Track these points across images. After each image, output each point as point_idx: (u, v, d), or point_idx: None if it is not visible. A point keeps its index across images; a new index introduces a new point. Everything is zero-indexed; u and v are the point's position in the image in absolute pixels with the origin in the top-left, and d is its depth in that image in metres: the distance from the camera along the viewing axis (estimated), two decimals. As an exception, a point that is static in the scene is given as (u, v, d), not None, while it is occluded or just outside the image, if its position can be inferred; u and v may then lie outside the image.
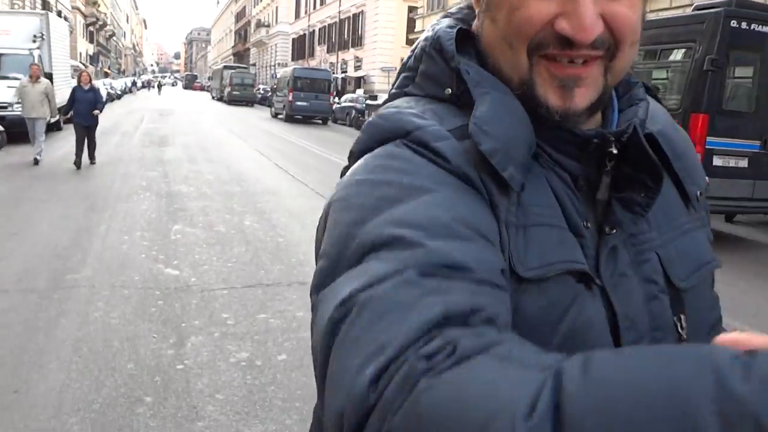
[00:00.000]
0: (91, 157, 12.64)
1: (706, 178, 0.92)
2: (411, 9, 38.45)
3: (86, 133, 12.29)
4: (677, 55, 8.84)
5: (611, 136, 0.74)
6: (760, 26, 7.94)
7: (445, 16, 0.85)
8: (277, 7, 68.54)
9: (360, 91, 36.86)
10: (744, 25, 7.87)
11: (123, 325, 4.67)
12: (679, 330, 0.78)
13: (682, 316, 0.79)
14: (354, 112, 30.24)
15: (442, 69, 0.77)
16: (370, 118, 0.77)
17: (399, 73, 0.84)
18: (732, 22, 7.87)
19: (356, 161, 0.73)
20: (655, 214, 0.79)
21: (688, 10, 9.14)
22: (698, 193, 0.86)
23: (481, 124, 0.68)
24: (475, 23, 0.79)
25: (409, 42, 37.25)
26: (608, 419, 0.37)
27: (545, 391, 0.41)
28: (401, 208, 0.62)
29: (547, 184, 0.73)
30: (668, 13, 15.92)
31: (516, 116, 0.71)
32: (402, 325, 0.51)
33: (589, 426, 0.38)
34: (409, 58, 0.83)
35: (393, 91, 0.83)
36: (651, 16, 15.47)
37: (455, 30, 0.78)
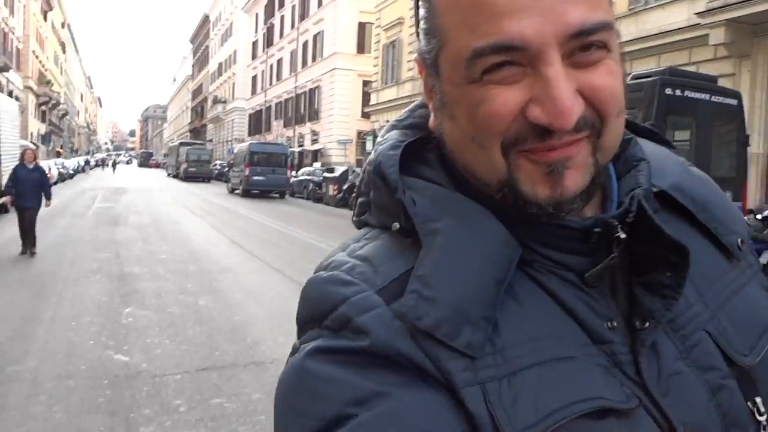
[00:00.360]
0: (31, 245, 11.35)
1: (746, 219, 0.85)
2: (366, 83, 39.37)
3: (29, 216, 11.28)
4: None
5: (614, 221, 0.63)
6: (693, 92, 8.41)
7: (392, 127, 0.74)
8: (234, 84, 69.44)
9: (317, 164, 37.13)
10: (678, 92, 8.27)
11: (67, 419, 4.44)
12: (758, 417, 0.65)
13: (758, 399, 0.66)
14: (311, 185, 30.40)
15: (388, 199, 0.65)
16: (307, 283, 0.66)
17: (356, 198, 0.73)
18: (667, 89, 8.29)
19: (301, 333, 0.64)
20: (695, 284, 0.68)
21: (628, 79, 9.68)
22: (739, 241, 0.74)
23: (422, 289, 0.58)
24: (431, 121, 0.68)
25: (365, 115, 38.00)
26: None
27: None
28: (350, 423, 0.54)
29: (544, 298, 0.62)
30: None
31: (474, 251, 0.60)
32: None
33: None
34: (361, 181, 0.73)
35: (354, 218, 0.74)
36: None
37: (399, 151, 0.67)
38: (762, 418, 0.65)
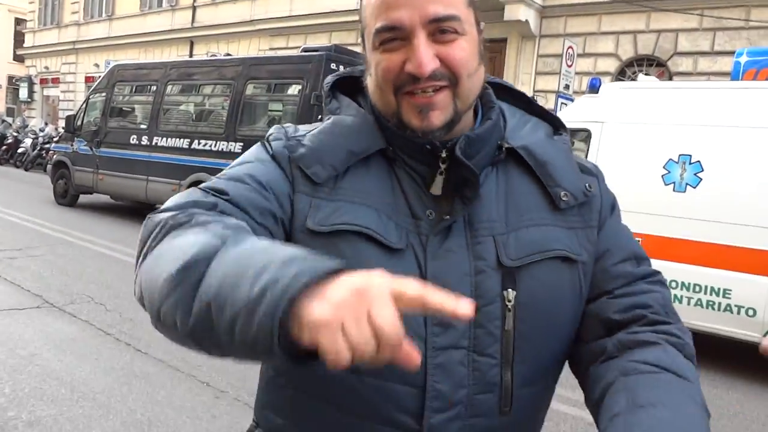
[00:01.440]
0: None
1: (587, 183, 1.01)
2: (19, 21, 34.52)
3: None
4: (290, 89, 9.89)
5: (438, 144, 0.95)
6: (345, 68, 9.24)
7: (350, 69, 1.10)
8: None
9: (-46, 109, 31.58)
10: (341, 67, 9.01)
11: None
12: (506, 301, 0.94)
13: (511, 291, 0.94)
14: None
15: (325, 99, 1.07)
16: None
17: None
18: (332, 64, 9.11)
19: None
20: (508, 210, 0.98)
21: (299, 51, 10.25)
22: (561, 193, 1.00)
23: (302, 140, 1.00)
24: (366, 78, 1.02)
25: (17, 58, 33.37)
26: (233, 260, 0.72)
27: (213, 246, 0.75)
28: (233, 167, 1.00)
29: (388, 179, 0.97)
30: (285, 51, 17.28)
31: (344, 132, 0.99)
32: (174, 201, 0.91)
33: (219, 269, 0.71)
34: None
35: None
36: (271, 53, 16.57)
37: (336, 77, 1.07)
38: (509, 303, 0.94)
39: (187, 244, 0.77)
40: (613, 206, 1.07)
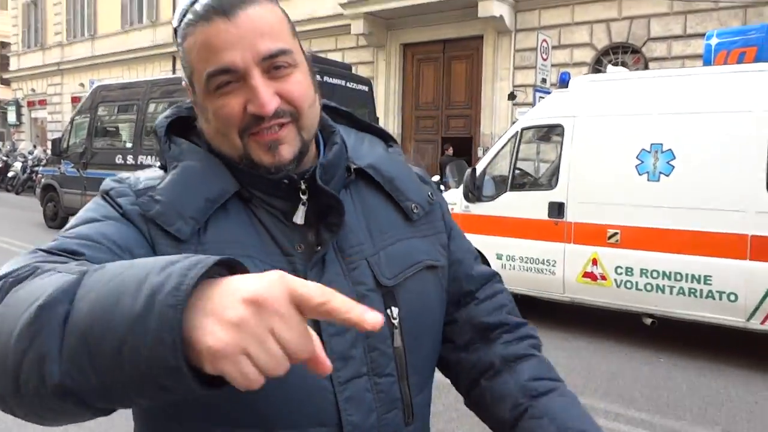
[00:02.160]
0: None
1: (429, 192, 1.11)
2: (3, 45, 34.49)
3: None
4: None
5: (296, 177, 0.95)
6: (331, 78, 9.33)
7: (176, 107, 1.05)
8: None
9: (-58, 137, 31.57)
10: (318, 77, 9.01)
11: None
12: (392, 320, 0.98)
13: (394, 308, 0.99)
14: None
15: (159, 147, 1.00)
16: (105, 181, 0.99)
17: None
18: (308, 74, 9.02)
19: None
20: (371, 229, 1.02)
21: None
22: (412, 206, 1.06)
23: (154, 195, 0.91)
24: (198, 122, 0.99)
25: (4, 82, 33.38)
26: (102, 286, 0.61)
27: (73, 279, 0.64)
28: (77, 226, 0.89)
29: (249, 221, 0.94)
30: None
31: (196, 180, 0.93)
32: (10, 266, 0.76)
33: (88, 295, 0.61)
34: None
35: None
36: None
37: (169, 119, 1.01)
38: (395, 321, 0.98)
39: (38, 288, 0.65)
40: (447, 210, 1.17)
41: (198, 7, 0.90)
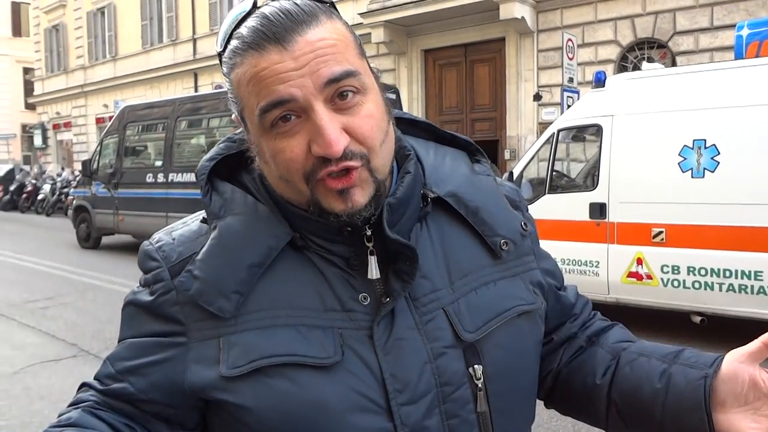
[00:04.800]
0: None
1: (522, 222, 0.96)
2: (27, 70, 35.11)
3: None
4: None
5: (359, 222, 0.82)
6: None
7: (227, 140, 0.93)
8: None
9: (-28, 164, 32.18)
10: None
11: None
12: (474, 380, 0.85)
13: (477, 367, 0.85)
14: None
15: (203, 197, 0.88)
16: (142, 246, 0.92)
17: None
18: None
19: None
20: (450, 271, 0.88)
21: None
22: (501, 242, 0.91)
23: (193, 270, 0.82)
24: (256, 162, 0.87)
25: (29, 106, 33.96)
26: None
27: None
28: (116, 349, 0.89)
29: (303, 274, 0.84)
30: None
31: (237, 244, 0.83)
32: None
33: None
34: None
35: None
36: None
37: (213, 162, 0.89)
38: (478, 382, 0.85)
39: None
40: (536, 236, 1.02)
41: (245, 31, 0.78)
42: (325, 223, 0.82)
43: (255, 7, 0.79)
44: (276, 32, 0.75)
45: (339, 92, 0.77)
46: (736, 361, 0.85)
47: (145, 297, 0.86)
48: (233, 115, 0.86)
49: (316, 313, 0.82)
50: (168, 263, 0.85)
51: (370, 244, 0.85)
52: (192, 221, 0.92)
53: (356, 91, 0.78)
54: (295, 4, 0.78)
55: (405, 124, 0.98)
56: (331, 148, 0.75)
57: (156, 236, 0.92)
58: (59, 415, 0.85)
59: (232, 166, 0.91)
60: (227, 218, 0.85)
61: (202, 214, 0.90)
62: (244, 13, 0.79)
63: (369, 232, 0.84)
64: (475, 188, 0.94)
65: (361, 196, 0.80)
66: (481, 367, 0.85)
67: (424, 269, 0.86)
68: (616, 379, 0.94)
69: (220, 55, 0.82)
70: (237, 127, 0.89)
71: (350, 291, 0.84)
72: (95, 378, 0.89)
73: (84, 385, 0.90)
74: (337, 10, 0.83)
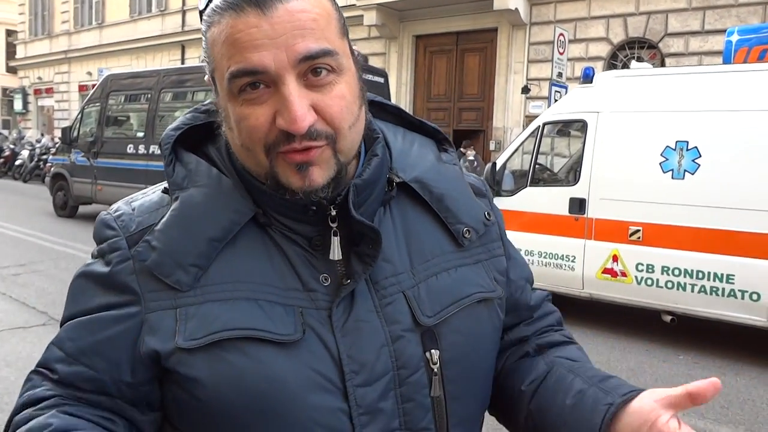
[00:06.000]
0: None
1: (486, 212, 0.95)
2: (10, 33, 34.43)
3: None
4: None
5: (325, 202, 0.81)
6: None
7: (194, 110, 0.91)
8: None
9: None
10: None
11: None
12: (431, 365, 0.84)
13: (434, 351, 0.84)
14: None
15: (166, 167, 0.86)
16: (98, 216, 0.88)
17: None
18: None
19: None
20: (411, 256, 0.87)
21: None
22: (464, 230, 0.91)
23: (151, 240, 0.81)
24: (223, 126, 0.83)
25: (10, 69, 33.32)
26: None
27: None
28: (61, 332, 0.84)
29: (265, 251, 0.82)
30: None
31: (198, 216, 0.81)
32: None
33: None
34: None
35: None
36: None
37: (178, 132, 0.87)
38: (434, 366, 0.84)
39: None
40: (503, 227, 1.01)
41: None
42: (290, 201, 0.80)
43: None
44: None
45: (312, 69, 0.75)
46: (653, 400, 0.79)
47: (100, 268, 0.83)
48: (206, 77, 0.83)
49: (277, 290, 0.81)
50: (126, 232, 0.83)
51: (334, 225, 0.84)
52: (152, 192, 0.89)
53: (331, 70, 0.76)
54: None
55: (375, 108, 0.97)
56: (296, 123, 0.73)
57: (115, 206, 0.89)
58: (19, 422, 0.78)
59: (197, 138, 0.89)
60: (190, 190, 0.83)
61: (163, 184, 0.87)
62: None
63: (334, 213, 0.83)
64: (441, 176, 0.94)
65: (319, 176, 0.78)
66: (437, 351, 0.85)
67: (386, 253, 0.85)
68: (539, 390, 0.93)
69: (201, 13, 0.80)
70: None
71: (311, 271, 0.83)
72: (41, 366, 0.83)
73: (30, 379, 0.83)
74: None
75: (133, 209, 0.86)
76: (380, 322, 0.83)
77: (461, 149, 12.74)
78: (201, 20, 0.81)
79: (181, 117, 0.90)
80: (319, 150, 0.77)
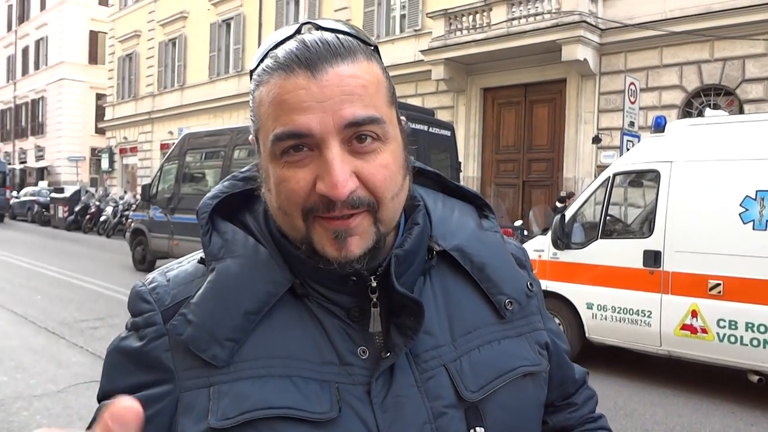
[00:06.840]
0: None
1: (528, 282, 0.93)
2: (99, 96, 36.73)
3: None
4: None
5: (365, 272, 0.78)
6: (414, 124, 9.32)
7: (231, 177, 0.89)
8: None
9: (43, 183, 33.69)
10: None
11: None
12: None
13: (479, 429, 0.81)
14: (36, 206, 27.49)
15: (202, 237, 0.84)
16: (132, 288, 0.85)
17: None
18: (394, 121, 9.11)
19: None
20: (453, 328, 0.84)
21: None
22: (506, 301, 0.88)
23: (187, 314, 0.78)
24: (262, 187, 0.82)
25: (99, 131, 35.42)
26: None
27: None
28: (100, 407, 0.78)
29: (301, 323, 0.79)
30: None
31: (233, 289, 0.78)
32: None
33: None
34: None
35: None
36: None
37: (216, 201, 0.85)
38: None
39: None
40: (542, 299, 0.98)
41: (281, 52, 0.75)
42: (329, 271, 0.77)
43: (298, 32, 0.77)
44: (309, 58, 0.73)
45: (357, 135, 0.74)
46: None
47: (134, 342, 0.80)
48: (250, 137, 0.83)
49: (312, 366, 0.78)
50: (161, 306, 0.80)
51: (374, 296, 0.81)
52: (188, 262, 0.87)
53: (376, 137, 0.75)
54: (337, 37, 0.75)
55: (413, 173, 0.93)
56: (337, 189, 0.71)
57: (150, 276, 0.87)
58: None
59: (235, 205, 0.87)
60: (226, 260, 0.81)
61: (199, 253, 0.86)
62: (285, 37, 0.77)
63: (374, 284, 0.80)
64: (482, 244, 0.91)
65: (357, 246, 0.75)
66: (483, 429, 0.81)
67: (426, 324, 0.81)
68: None
69: (252, 72, 0.80)
70: None
71: (349, 343, 0.80)
72: None
73: None
74: (379, 54, 0.80)
75: (168, 280, 0.84)
76: (421, 397, 0.79)
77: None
78: (251, 79, 0.80)
79: (218, 185, 0.89)
80: (359, 218, 0.74)
